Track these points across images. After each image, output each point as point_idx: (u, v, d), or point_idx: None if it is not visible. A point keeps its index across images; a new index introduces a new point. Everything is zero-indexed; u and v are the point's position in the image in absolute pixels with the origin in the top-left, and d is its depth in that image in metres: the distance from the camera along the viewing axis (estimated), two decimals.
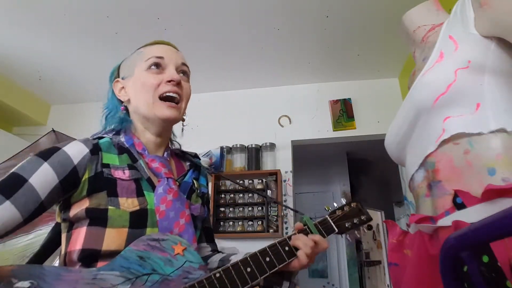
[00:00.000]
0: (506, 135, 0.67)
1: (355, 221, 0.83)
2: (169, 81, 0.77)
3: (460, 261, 0.44)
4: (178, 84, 0.79)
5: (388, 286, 3.56)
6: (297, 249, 0.72)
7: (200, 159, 0.93)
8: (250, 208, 2.83)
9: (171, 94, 0.78)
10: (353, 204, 0.86)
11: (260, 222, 2.74)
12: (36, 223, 1.89)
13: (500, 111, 0.68)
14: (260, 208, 2.77)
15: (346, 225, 0.82)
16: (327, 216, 0.83)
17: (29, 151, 2.19)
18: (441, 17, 0.93)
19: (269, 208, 2.74)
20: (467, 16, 0.74)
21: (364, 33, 2.52)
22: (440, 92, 0.72)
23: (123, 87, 0.83)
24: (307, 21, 2.41)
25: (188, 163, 0.89)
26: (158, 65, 0.79)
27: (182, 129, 0.90)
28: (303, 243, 0.71)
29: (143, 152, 0.78)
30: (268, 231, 2.65)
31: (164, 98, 0.78)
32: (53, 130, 2.40)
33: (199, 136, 2.84)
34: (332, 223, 0.81)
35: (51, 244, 0.83)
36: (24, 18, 2.35)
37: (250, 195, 2.88)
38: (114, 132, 0.80)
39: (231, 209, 2.83)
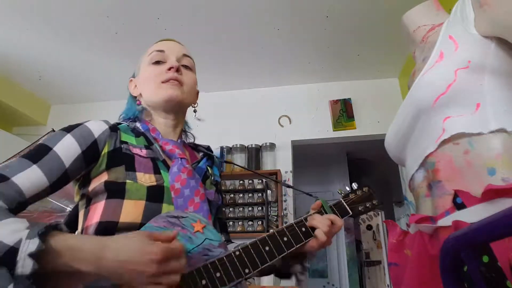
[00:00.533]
0: (506, 135, 0.67)
1: (367, 205, 0.87)
2: (169, 69, 0.81)
3: (460, 261, 0.44)
4: (178, 70, 0.82)
5: (388, 286, 3.56)
6: (313, 229, 0.74)
7: (212, 152, 0.96)
8: (250, 208, 2.83)
9: (171, 80, 0.81)
10: (364, 189, 0.89)
11: (260, 222, 2.74)
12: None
13: (500, 111, 0.68)
14: (260, 208, 2.77)
15: (360, 209, 0.85)
16: (341, 199, 0.86)
17: None
18: (441, 17, 0.93)
19: (269, 208, 2.74)
20: (467, 16, 0.74)
21: (364, 33, 2.52)
22: (440, 92, 0.72)
23: (135, 85, 0.89)
24: (307, 21, 2.41)
25: (201, 154, 0.92)
26: (159, 60, 0.84)
27: (194, 111, 0.93)
28: (320, 222, 0.74)
29: (157, 136, 0.81)
30: (268, 231, 2.65)
31: (166, 81, 0.82)
32: (53, 130, 2.40)
33: (199, 136, 2.84)
34: (347, 206, 0.84)
35: (70, 226, 0.84)
36: (24, 18, 2.35)
37: (250, 195, 2.88)
38: (130, 120, 0.85)
39: (231, 209, 2.83)
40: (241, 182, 2.89)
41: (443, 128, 0.72)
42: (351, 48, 2.71)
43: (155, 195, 0.69)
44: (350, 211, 0.83)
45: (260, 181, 2.84)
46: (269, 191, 2.77)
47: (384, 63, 2.90)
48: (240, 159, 2.96)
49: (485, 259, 0.43)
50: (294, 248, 0.71)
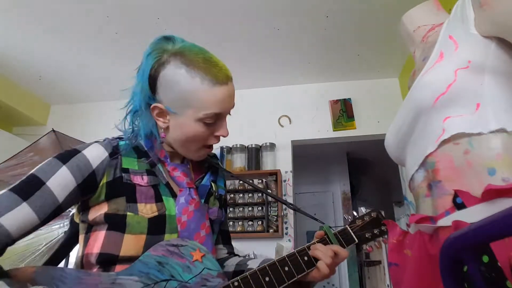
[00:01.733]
0: (506, 135, 0.66)
1: (375, 231, 0.83)
2: (217, 137, 0.79)
3: (460, 261, 0.44)
4: None
5: (388, 286, 3.56)
6: (316, 259, 0.72)
7: (218, 160, 0.93)
8: (250, 208, 2.83)
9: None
10: (373, 214, 0.85)
11: (260, 222, 2.74)
12: None
13: (500, 111, 0.68)
14: (260, 208, 2.77)
15: (367, 236, 0.82)
16: (347, 225, 0.82)
17: (29, 151, 2.19)
18: (441, 17, 0.93)
19: (269, 208, 2.74)
20: (467, 16, 0.74)
21: (364, 33, 2.52)
22: (440, 92, 0.72)
23: (163, 114, 0.75)
24: (307, 21, 2.41)
25: (206, 164, 0.89)
26: (211, 123, 0.75)
27: None
28: (323, 254, 0.71)
29: (165, 160, 0.78)
30: (268, 231, 2.65)
31: (207, 147, 0.79)
32: (53, 130, 2.39)
33: None
34: (352, 234, 0.80)
35: (70, 242, 0.84)
36: (24, 18, 2.35)
37: (250, 195, 2.88)
38: (135, 135, 0.78)
39: (231, 209, 2.83)
40: (241, 182, 2.89)
41: (443, 128, 0.72)
42: (351, 48, 2.71)
43: (157, 227, 0.68)
44: (356, 239, 0.80)
45: (260, 181, 2.84)
46: (269, 191, 2.77)
47: (384, 63, 2.90)
48: (240, 159, 2.96)
49: (485, 259, 0.43)
50: (296, 278, 0.69)
